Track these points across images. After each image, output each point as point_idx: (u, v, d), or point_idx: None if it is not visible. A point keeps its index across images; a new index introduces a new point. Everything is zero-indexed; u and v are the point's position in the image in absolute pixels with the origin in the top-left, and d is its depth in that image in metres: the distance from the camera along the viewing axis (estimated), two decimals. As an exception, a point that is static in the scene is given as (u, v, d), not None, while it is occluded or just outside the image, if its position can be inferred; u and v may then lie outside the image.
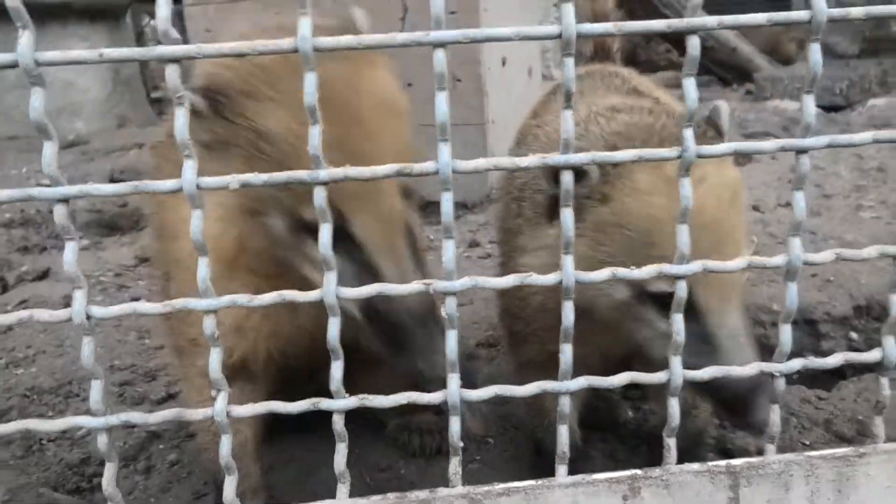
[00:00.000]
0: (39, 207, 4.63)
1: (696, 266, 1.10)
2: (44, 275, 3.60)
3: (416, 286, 1.09)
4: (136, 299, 3.27)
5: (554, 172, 1.30)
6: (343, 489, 1.18)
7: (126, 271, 3.61)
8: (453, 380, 1.14)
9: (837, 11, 0.99)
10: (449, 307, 1.10)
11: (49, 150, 0.97)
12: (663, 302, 1.32)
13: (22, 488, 1.92)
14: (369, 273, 1.29)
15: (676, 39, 7.71)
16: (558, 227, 1.42)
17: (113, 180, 4.80)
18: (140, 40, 11.28)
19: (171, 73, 0.95)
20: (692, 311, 1.29)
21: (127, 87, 8.71)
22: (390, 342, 1.28)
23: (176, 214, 1.47)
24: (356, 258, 1.29)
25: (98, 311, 1.04)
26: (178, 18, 5.94)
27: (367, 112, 1.28)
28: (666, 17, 7.13)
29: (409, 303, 1.26)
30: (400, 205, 1.32)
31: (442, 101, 0.99)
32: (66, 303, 2.72)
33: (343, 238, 1.26)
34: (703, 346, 1.34)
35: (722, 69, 9.07)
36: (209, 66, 1.36)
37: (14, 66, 0.93)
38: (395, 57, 4.28)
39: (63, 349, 2.77)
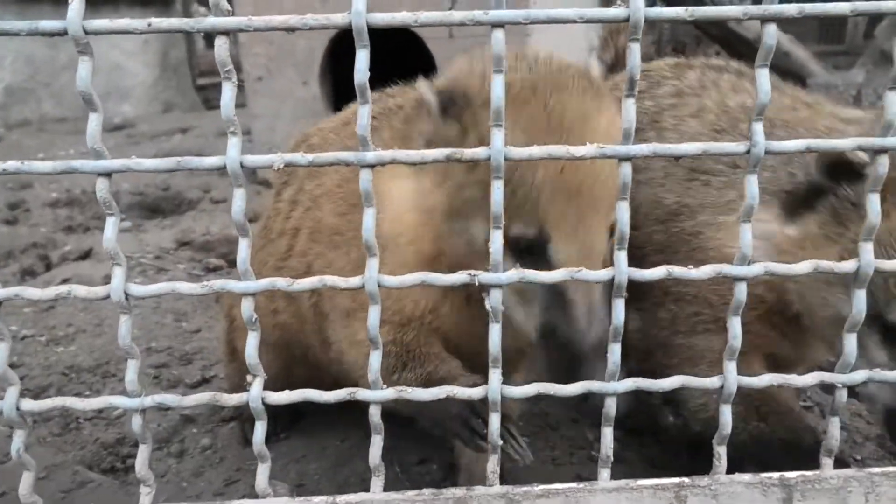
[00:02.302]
0: (85, 188, 4.70)
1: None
2: (86, 254, 3.64)
3: (460, 276, 1.05)
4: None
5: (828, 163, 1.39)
6: (378, 482, 1.15)
7: (166, 254, 3.63)
8: (494, 375, 1.09)
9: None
10: (493, 300, 1.06)
11: (94, 122, 0.95)
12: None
13: (58, 466, 1.93)
14: (556, 298, 1.24)
15: (726, 41, 7.53)
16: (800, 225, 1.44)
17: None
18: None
19: (221, 46, 0.92)
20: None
21: (174, 73, 8.83)
22: (560, 366, 1.24)
23: (386, 189, 1.42)
24: None
25: (136, 289, 1.02)
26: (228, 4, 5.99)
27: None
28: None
29: (591, 337, 1.22)
30: (605, 242, 1.27)
31: (498, 84, 0.94)
32: (107, 282, 2.77)
33: (538, 254, 1.24)
34: None
35: (774, 74, 8.85)
36: (457, 72, 1.39)
37: (63, 33, 0.91)
38: (441, 46, 4.19)
39: (102, 329, 2.79)
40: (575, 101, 1.25)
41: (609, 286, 1.05)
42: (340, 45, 4.66)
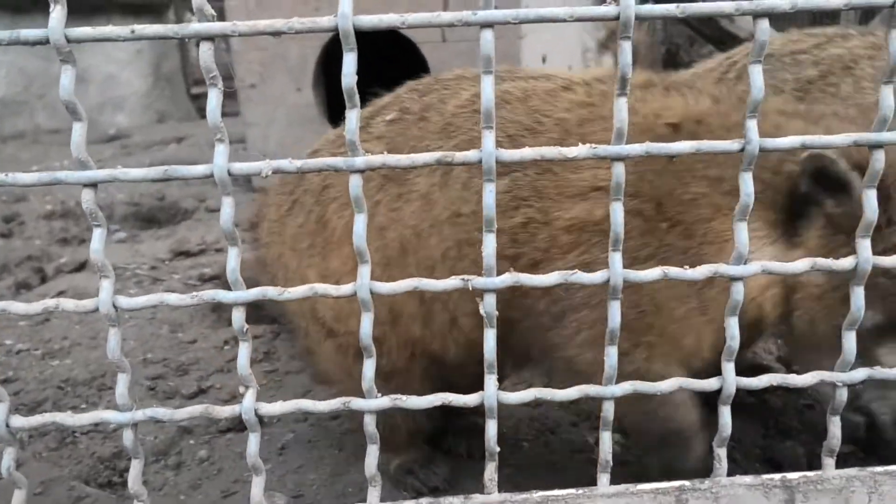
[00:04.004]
0: (79, 199, 4.65)
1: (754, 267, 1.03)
2: (82, 266, 3.62)
3: (453, 281, 1.03)
4: (170, 292, 3.26)
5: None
6: (374, 493, 1.13)
7: (161, 264, 3.62)
8: (490, 381, 1.08)
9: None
10: (487, 305, 1.04)
11: (78, 131, 0.94)
12: None
13: (54, 481, 1.90)
14: None
15: (720, 40, 7.54)
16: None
17: (151, 174, 4.84)
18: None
19: (206, 52, 0.91)
20: None
21: (168, 83, 8.81)
22: None
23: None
24: None
25: (125, 301, 1.00)
26: (220, 14, 6.04)
27: None
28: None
29: None
30: None
31: (488, 85, 0.93)
32: (102, 294, 2.73)
33: None
34: None
35: (766, 71, 8.86)
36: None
37: (45, 42, 0.90)
38: (435, 50, 4.16)
39: (97, 341, 2.77)
40: None
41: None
42: (334, 51, 4.66)
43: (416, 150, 1.53)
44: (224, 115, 0.99)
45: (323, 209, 1.71)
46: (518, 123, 1.53)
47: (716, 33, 7.36)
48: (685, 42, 10.94)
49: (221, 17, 5.29)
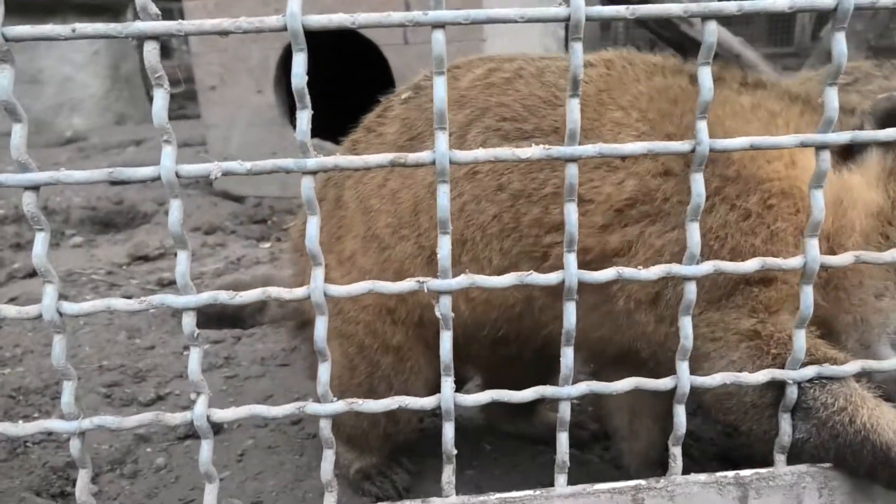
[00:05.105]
0: (34, 204, 4.55)
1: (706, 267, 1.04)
2: (35, 272, 3.53)
3: (408, 283, 1.03)
4: (128, 297, 3.20)
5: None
6: (330, 498, 1.12)
7: (119, 269, 3.54)
8: (447, 383, 1.07)
9: (864, -2, 0.92)
10: (443, 306, 1.04)
11: (18, 133, 0.91)
12: None
13: (4, 493, 1.85)
14: None
15: (679, 45, 7.64)
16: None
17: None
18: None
19: (151, 51, 0.89)
20: None
21: (126, 84, 8.66)
22: None
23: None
24: None
25: (69, 307, 0.98)
26: (181, 15, 5.93)
27: None
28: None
29: None
30: None
31: (441, 86, 0.93)
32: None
33: None
34: None
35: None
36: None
37: (-19, 42, 0.87)
38: (397, 52, 4.16)
39: (50, 348, 2.70)
40: None
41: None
42: (295, 54, 4.62)
43: (431, 123, 1.55)
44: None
45: (340, 190, 1.69)
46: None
47: (675, 37, 7.45)
48: (646, 46, 11.08)
49: (182, 17, 5.22)
